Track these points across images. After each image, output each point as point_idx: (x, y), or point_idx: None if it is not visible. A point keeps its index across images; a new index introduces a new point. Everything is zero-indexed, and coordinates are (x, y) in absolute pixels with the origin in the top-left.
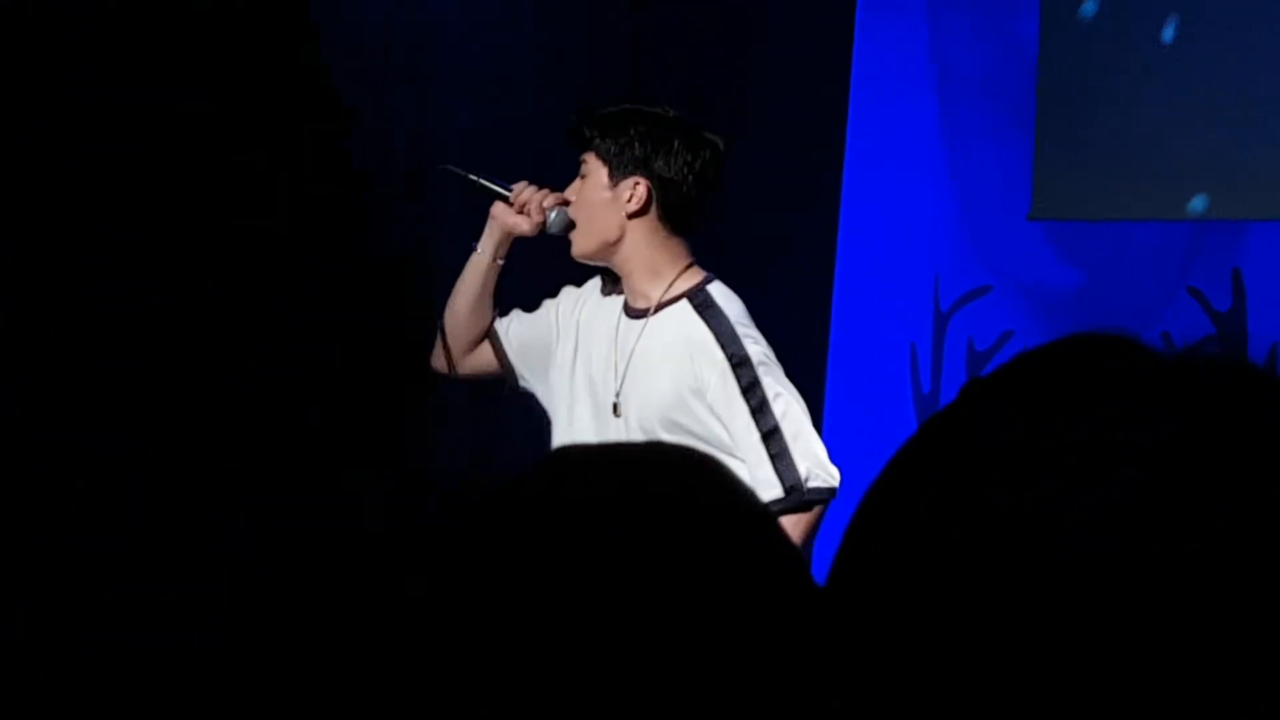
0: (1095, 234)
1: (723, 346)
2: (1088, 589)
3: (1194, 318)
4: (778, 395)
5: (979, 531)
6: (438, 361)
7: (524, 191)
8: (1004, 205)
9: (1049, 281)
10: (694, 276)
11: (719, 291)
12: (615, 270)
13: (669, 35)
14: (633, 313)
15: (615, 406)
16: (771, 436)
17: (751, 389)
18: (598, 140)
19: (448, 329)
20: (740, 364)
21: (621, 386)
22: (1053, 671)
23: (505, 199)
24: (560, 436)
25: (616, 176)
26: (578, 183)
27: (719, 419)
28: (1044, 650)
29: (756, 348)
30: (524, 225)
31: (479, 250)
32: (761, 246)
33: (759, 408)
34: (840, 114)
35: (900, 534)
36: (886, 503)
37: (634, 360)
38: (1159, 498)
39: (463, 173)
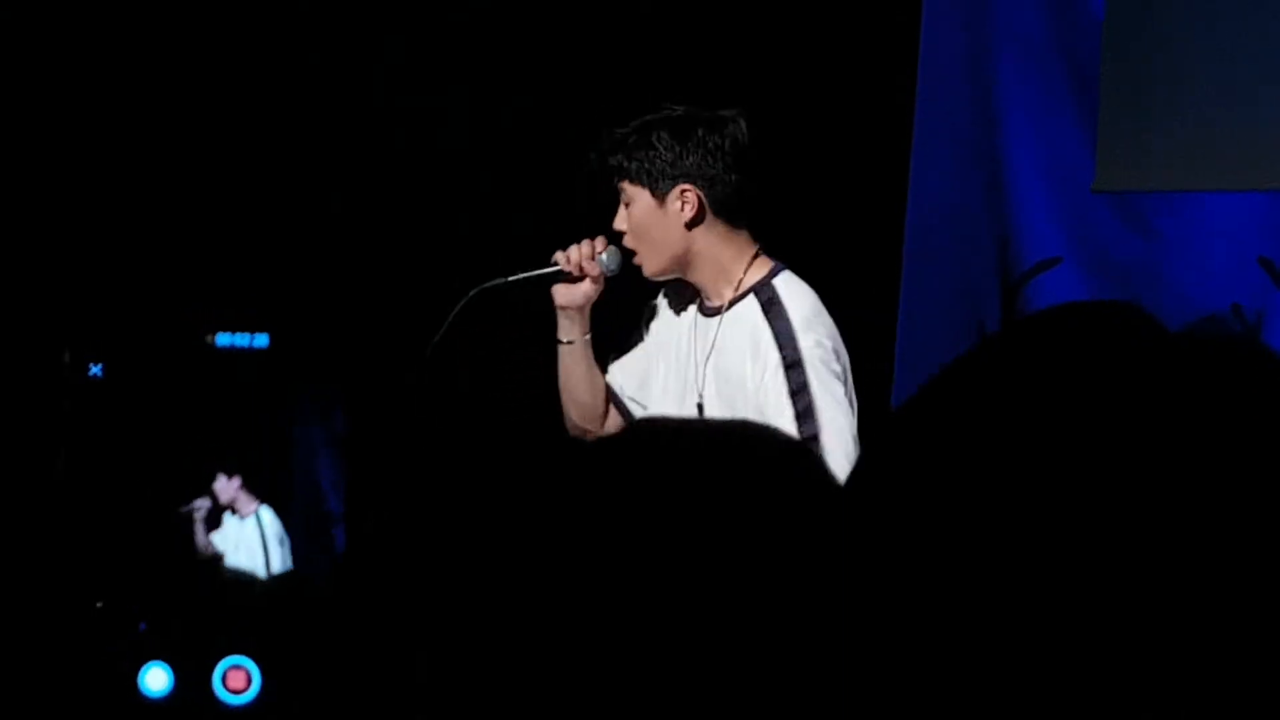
0: (1163, 204)
1: (780, 347)
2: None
3: (1265, 288)
4: (825, 404)
5: (961, 510)
6: (584, 424)
7: (570, 258)
8: (1072, 176)
9: (1117, 253)
10: (761, 268)
11: (785, 285)
12: (687, 278)
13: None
14: (708, 311)
15: (700, 408)
16: (809, 444)
17: (800, 393)
18: (627, 165)
19: (574, 415)
20: (792, 366)
21: (704, 387)
22: (1035, 658)
23: (555, 278)
24: None
25: (661, 192)
26: (622, 211)
27: (765, 417)
28: (1023, 637)
29: (816, 350)
30: (587, 288)
31: (566, 339)
32: (828, 222)
33: (804, 412)
34: (909, 87)
35: (885, 516)
36: (876, 479)
37: (712, 360)
38: (1122, 483)
39: (501, 281)
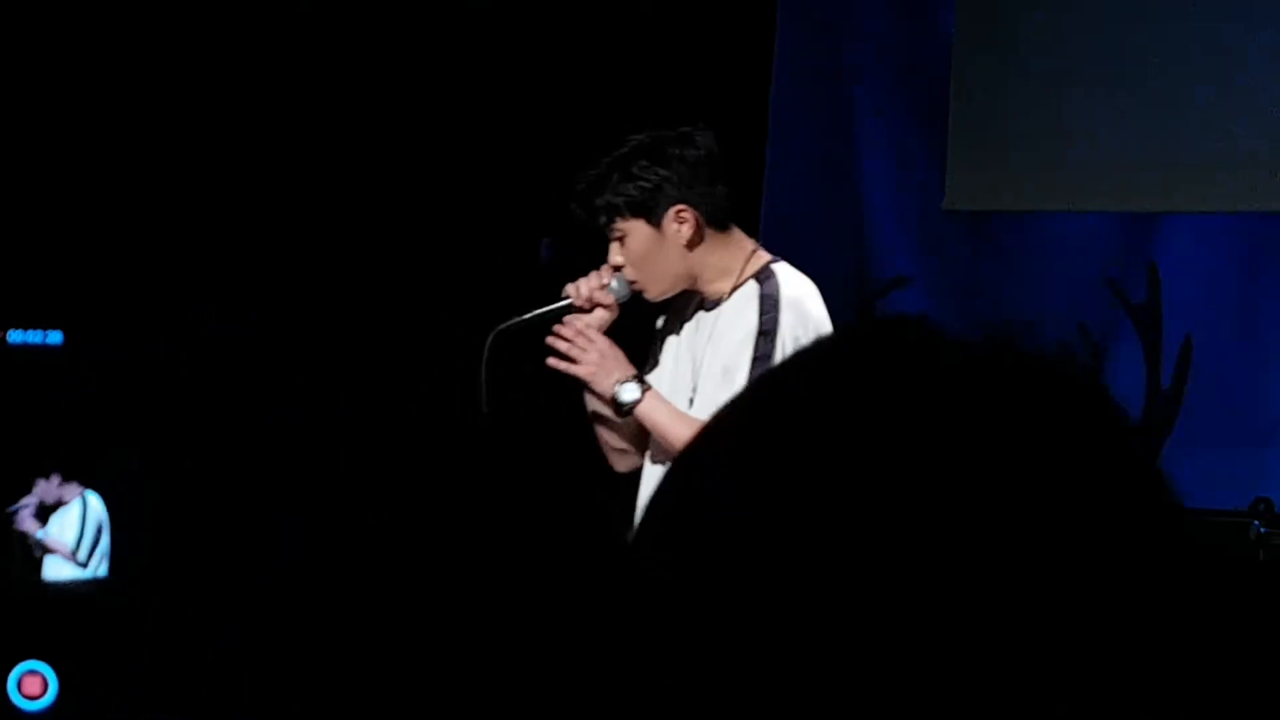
0: (1013, 224)
1: (761, 313)
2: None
3: (1111, 309)
4: None
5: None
6: (621, 468)
7: (580, 290)
8: (923, 196)
9: (966, 271)
10: (759, 260)
11: (782, 270)
12: (691, 289)
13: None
14: (708, 305)
15: (691, 402)
16: None
17: (761, 360)
18: (615, 200)
19: (625, 465)
20: (765, 333)
21: (700, 370)
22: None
23: (567, 309)
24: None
25: (655, 219)
26: (615, 246)
27: (726, 374)
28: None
29: (792, 329)
30: (602, 316)
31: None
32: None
33: None
34: (763, 107)
35: (679, 531)
36: (674, 493)
37: (709, 348)
38: (906, 495)
39: (515, 320)
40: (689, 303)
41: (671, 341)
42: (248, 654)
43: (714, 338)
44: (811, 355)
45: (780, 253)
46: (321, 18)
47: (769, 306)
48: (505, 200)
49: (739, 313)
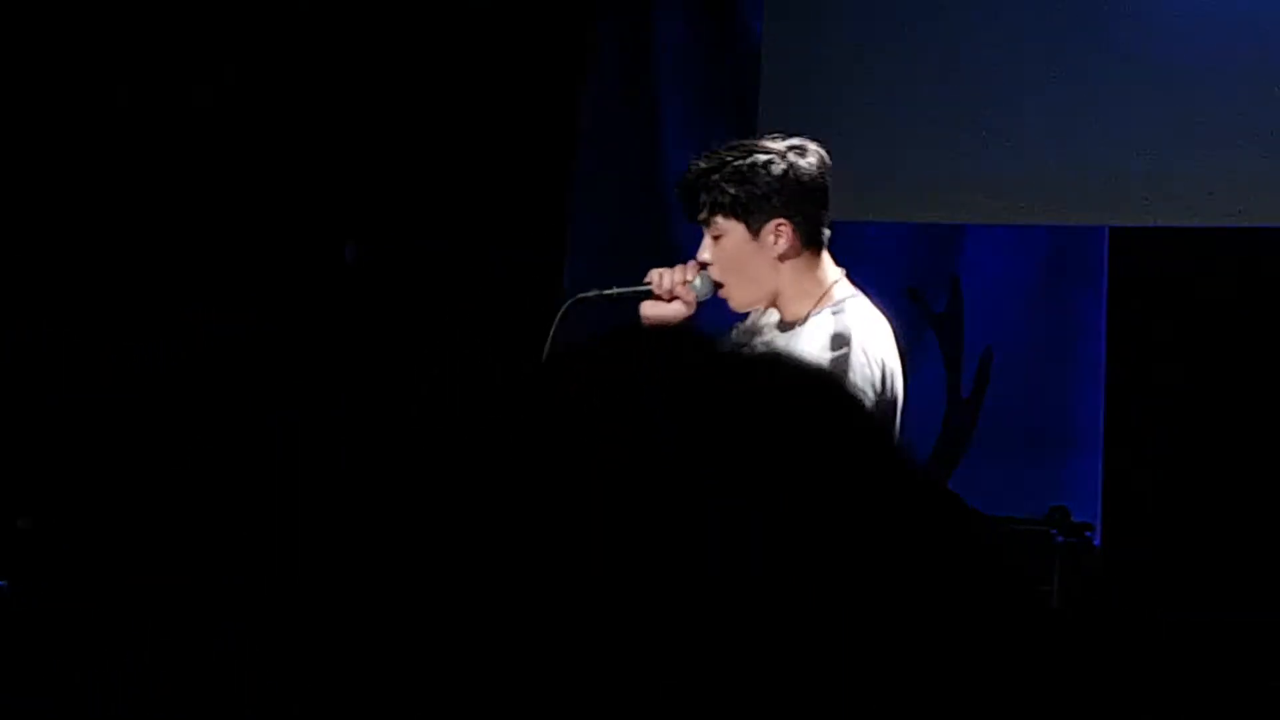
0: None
1: (833, 338)
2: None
3: (914, 319)
4: None
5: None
6: None
7: (663, 280)
8: None
9: None
10: (839, 290)
11: (858, 306)
12: (771, 305)
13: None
14: (784, 326)
15: None
16: None
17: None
18: (722, 198)
19: None
20: (838, 357)
21: None
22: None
23: (647, 295)
24: None
25: (755, 226)
26: (708, 242)
27: None
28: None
29: (861, 357)
30: (678, 309)
31: None
32: (493, 252)
33: None
34: (570, 109)
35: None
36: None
37: None
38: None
39: (596, 294)
40: (769, 319)
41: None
42: (249, 654)
43: None
44: (593, 360)
45: (589, 259)
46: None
47: (839, 343)
48: (310, 203)
49: (810, 342)
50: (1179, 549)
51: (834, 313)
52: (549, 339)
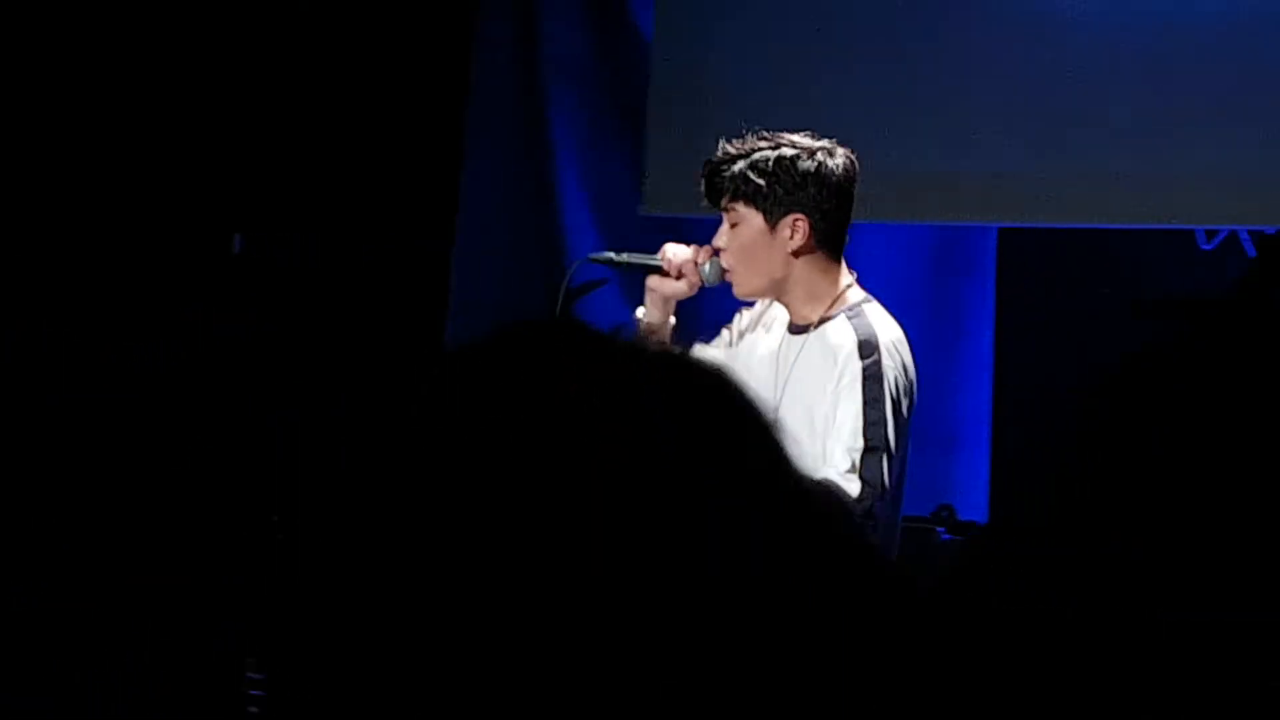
0: (709, 229)
1: (863, 357)
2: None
3: None
4: (893, 423)
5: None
6: None
7: (674, 258)
8: (620, 199)
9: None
10: (851, 296)
11: (875, 311)
12: (780, 300)
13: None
14: (795, 329)
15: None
16: (870, 454)
17: (873, 403)
18: (744, 186)
19: None
20: (872, 378)
21: (780, 402)
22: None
23: (655, 269)
24: None
25: (774, 218)
26: (726, 228)
27: (835, 421)
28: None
29: (895, 374)
30: (682, 287)
31: (645, 321)
32: (379, 243)
33: (876, 422)
34: (459, 104)
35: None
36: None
37: (793, 376)
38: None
39: (609, 257)
40: (779, 318)
41: (749, 350)
42: (249, 654)
43: (798, 372)
44: (481, 349)
45: (476, 255)
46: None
47: (868, 351)
48: (196, 195)
49: (832, 352)
50: (1066, 547)
51: (850, 318)
52: (560, 295)
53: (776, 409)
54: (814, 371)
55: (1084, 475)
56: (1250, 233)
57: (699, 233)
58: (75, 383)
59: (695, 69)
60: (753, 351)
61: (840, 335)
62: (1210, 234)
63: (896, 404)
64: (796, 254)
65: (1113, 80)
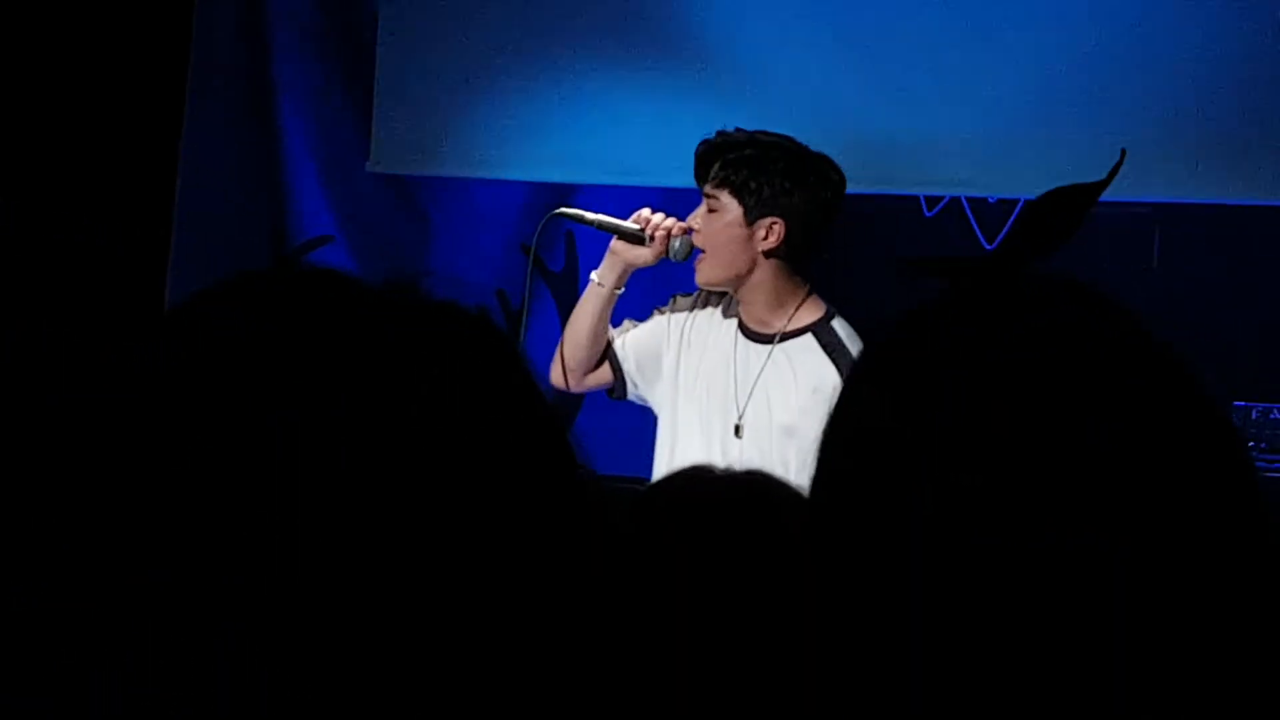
0: (435, 189)
1: (841, 372)
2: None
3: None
4: None
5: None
6: (556, 378)
7: (651, 219)
8: (346, 157)
9: (388, 233)
10: (815, 309)
11: (843, 330)
12: (736, 296)
13: None
14: (753, 335)
15: (738, 429)
16: None
17: None
18: (734, 177)
19: (568, 352)
20: None
21: (744, 412)
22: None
23: (623, 233)
24: (665, 444)
25: (753, 215)
26: (703, 212)
27: (785, 424)
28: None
29: None
30: (646, 255)
31: (599, 282)
32: (98, 201)
33: None
34: (181, 55)
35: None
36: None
37: (758, 388)
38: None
39: (577, 213)
40: (726, 315)
41: (698, 340)
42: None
43: (766, 386)
44: (243, 292)
45: (197, 212)
46: None
47: (848, 364)
48: None
49: (808, 377)
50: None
51: (825, 346)
52: (532, 252)
53: (740, 417)
54: (786, 391)
55: None
56: (969, 200)
57: (425, 194)
58: None
59: (424, 29)
60: (703, 354)
61: (820, 369)
62: (932, 202)
63: None
64: (767, 255)
65: (836, 50)
